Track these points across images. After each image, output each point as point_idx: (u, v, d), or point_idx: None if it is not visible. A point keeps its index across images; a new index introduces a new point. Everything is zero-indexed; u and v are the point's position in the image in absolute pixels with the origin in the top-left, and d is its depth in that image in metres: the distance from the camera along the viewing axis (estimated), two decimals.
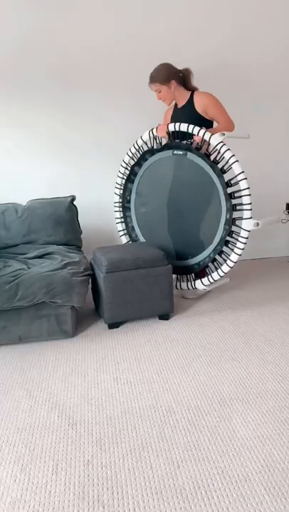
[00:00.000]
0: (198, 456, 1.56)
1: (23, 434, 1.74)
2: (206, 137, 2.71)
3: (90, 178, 3.66)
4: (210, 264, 3.02)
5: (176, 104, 3.01)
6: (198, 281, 2.98)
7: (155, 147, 3.07)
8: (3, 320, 2.46)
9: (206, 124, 2.92)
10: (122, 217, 3.35)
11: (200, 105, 2.85)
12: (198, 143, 2.81)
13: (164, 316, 2.77)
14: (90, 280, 2.90)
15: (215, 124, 3.00)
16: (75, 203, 3.28)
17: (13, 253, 3.01)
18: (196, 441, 1.64)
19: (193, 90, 2.93)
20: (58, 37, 3.36)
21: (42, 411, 1.89)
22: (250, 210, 2.69)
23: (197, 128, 2.74)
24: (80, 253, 3.02)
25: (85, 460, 1.57)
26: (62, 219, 3.12)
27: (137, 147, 3.14)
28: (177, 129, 2.85)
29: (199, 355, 2.30)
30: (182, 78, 2.88)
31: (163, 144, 3.02)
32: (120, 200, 3.32)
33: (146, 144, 3.14)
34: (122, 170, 3.24)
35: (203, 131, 2.71)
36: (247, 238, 2.72)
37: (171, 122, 3.02)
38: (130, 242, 3.30)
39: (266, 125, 3.81)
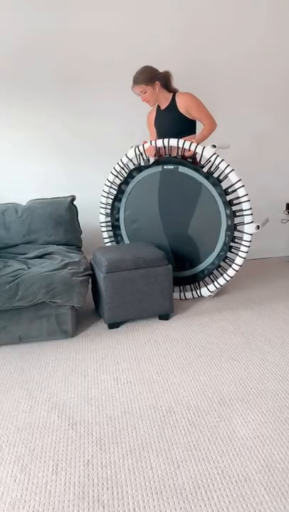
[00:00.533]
0: (198, 456, 1.56)
1: (23, 434, 1.74)
2: (198, 150, 2.77)
3: (90, 178, 3.66)
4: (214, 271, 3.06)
5: (158, 107, 3.02)
6: (203, 289, 3.03)
7: (142, 164, 3.02)
8: (3, 320, 2.46)
9: (190, 123, 2.97)
10: (110, 237, 3.27)
11: (183, 106, 2.90)
12: (189, 156, 2.88)
13: (164, 316, 2.77)
14: (90, 280, 2.90)
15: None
16: (75, 203, 3.27)
17: (13, 253, 3.01)
18: (196, 441, 1.64)
19: (174, 92, 2.97)
20: (58, 37, 3.36)
21: (42, 411, 1.89)
22: (251, 214, 2.80)
23: (188, 142, 2.78)
24: (80, 253, 3.02)
25: (85, 460, 1.57)
26: (62, 219, 3.12)
27: (122, 165, 3.08)
28: (166, 145, 2.85)
29: (199, 355, 2.30)
30: (164, 80, 2.92)
31: (151, 161, 2.99)
32: (108, 220, 3.23)
33: (131, 161, 3.08)
34: (107, 189, 3.15)
35: (194, 144, 2.76)
36: (250, 241, 2.84)
37: (155, 125, 3.05)
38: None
39: (266, 125, 3.81)
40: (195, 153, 2.85)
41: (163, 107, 2.96)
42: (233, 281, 3.43)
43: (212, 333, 2.55)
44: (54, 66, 3.41)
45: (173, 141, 2.84)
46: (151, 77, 2.83)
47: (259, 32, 3.58)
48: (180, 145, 2.82)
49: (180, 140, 2.81)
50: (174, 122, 2.92)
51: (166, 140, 2.85)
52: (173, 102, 2.92)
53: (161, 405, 1.88)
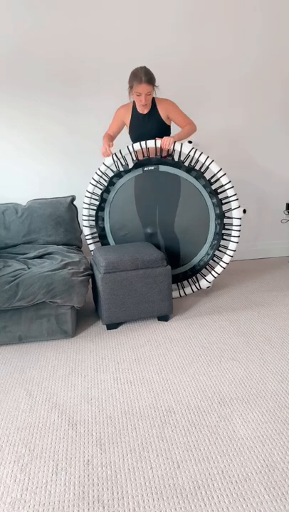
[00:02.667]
0: (198, 456, 1.56)
1: (23, 434, 1.74)
2: (177, 147, 2.85)
3: (90, 178, 3.66)
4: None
5: (135, 110, 2.97)
6: (202, 281, 3.06)
7: (122, 169, 3.00)
8: (3, 320, 2.46)
9: (168, 129, 3.03)
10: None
11: (164, 112, 2.94)
12: (168, 150, 2.91)
13: (163, 318, 2.76)
14: (90, 280, 2.90)
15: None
16: (75, 203, 3.27)
17: (13, 253, 3.01)
18: (196, 441, 1.64)
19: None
20: (56, 37, 3.36)
21: (42, 411, 1.89)
22: (237, 200, 2.92)
23: (167, 140, 2.82)
24: (80, 253, 3.02)
25: (85, 460, 1.57)
26: (62, 219, 3.12)
27: (101, 173, 3.03)
28: (144, 146, 2.89)
29: (199, 355, 2.30)
30: None
31: (131, 165, 2.98)
32: (92, 232, 3.13)
33: (109, 168, 3.02)
34: (88, 200, 3.08)
35: (173, 141, 2.81)
36: (240, 226, 2.95)
37: (137, 130, 3.00)
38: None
39: (266, 125, 3.81)
40: (172, 151, 2.94)
41: (144, 111, 2.94)
42: (233, 281, 3.43)
43: (212, 333, 2.55)
44: (53, 66, 3.41)
45: (151, 143, 2.88)
46: (154, 79, 2.81)
47: (255, 34, 3.58)
48: (158, 145, 2.86)
49: (157, 140, 2.85)
50: (156, 127, 2.96)
51: (143, 142, 2.89)
52: (154, 107, 2.94)
53: (161, 405, 1.88)
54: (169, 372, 2.15)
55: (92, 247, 3.16)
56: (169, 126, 3.04)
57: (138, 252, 2.71)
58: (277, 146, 3.88)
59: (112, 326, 2.68)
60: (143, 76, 2.74)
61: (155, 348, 2.40)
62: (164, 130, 2.99)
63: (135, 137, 3.03)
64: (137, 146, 2.92)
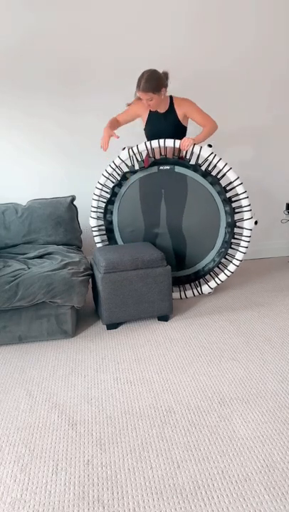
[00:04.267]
0: (198, 456, 1.56)
1: (23, 434, 1.74)
2: (196, 150, 2.82)
3: (90, 178, 3.66)
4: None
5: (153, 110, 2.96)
6: (204, 286, 3.06)
7: (137, 167, 2.99)
8: (3, 320, 2.46)
9: (184, 130, 3.01)
10: (104, 241, 3.17)
11: (181, 112, 2.92)
12: (186, 152, 2.88)
13: (163, 318, 2.76)
14: (90, 280, 2.90)
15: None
16: (75, 203, 3.27)
17: (13, 253, 3.01)
18: (196, 441, 1.64)
19: (170, 95, 2.95)
20: (57, 36, 3.36)
21: (42, 411, 1.89)
22: (250, 210, 2.88)
23: (187, 141, 2.79)
24: (80, 253, 3.02)
25: (85, 460, 1.57)
26: (62, 219, 3.12)
27: (114, 166, 3.00)
28: (162, 145, 2.86)
29: (199, 355, 2.30)
30: (167, 85, 2.88)
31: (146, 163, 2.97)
32: (100, 224, 3.14)
33: (124, 162, 2.99)
34: (98, 192, 3.07)
35: (192, 143, 2.79)
36: (250, 237, 2.92)
37: (153, 128, 2.98)
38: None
39: (266, 125, 3.81)
40: (190, 153, 2.89)
41: (162, 110, 2.94)
42: (233, 281, 3.43)
43: (212, 333, 2.55)
44: (53, 65, 3.41)
45: (169, 142, 2.85)
46: (158, 85, 2.75)
47: (259, 34, 3.58)
48: (176, 145, 2.83)
49: (176, 141, 2.83)
50: (172, 127, 2.93)
51: (161, 140, 2.86)
52: (172, 107, 2.92)
53: (161, 405, 1.88)
54: (169, 372, 2.15)
55: (97, 239, 3.16)
56: (185, 128, 3.01)
57: (138, 252, 2.71)
58: (278, 146, 3.88)
59: (112, 326, 2.68)
60: (142, 83, 2.73)
61: (155, 348, 2.40)
62: (179, 131, 2.96)
63: (151, 135, 3.02)
64: (155, 143, 2.88)
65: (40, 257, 2.89)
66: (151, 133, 3.02)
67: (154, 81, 2.73)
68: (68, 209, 3.16)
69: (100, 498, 1.40)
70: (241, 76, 3.66)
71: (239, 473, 1.47)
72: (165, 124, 2.95)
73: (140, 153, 2.95)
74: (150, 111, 2.98)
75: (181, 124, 2.96)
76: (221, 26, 3.52)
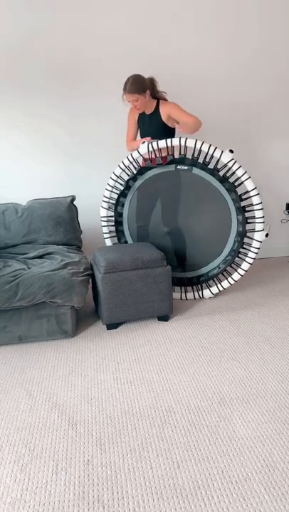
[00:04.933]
0: (198, 456, 1.56)
1: (23, 434, 1.74)
2: (216, 154, 2.80)
3: (90, 178, 3.66)
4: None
5: (143, 111, 3.08)
6: (206, 290, 3.06)
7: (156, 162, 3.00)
8: (3, 320, 2.46)
9: (170, 131, 3.08)
10: (111, 232, 3.18)
11: (165, 114, 3.01)
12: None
13: (163, 318, 2.76)
14: (90, 280, 2.90)
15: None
16: (75, 203, 3.27)
17: (13, 253, 3.01)
18: (196, 441, 1.64)
19: (158, 99, 3.05)
20: (57, 37, 3.36)
21: (42, 411, 1.89)
22: (263, 222, 2.85)
23: (199, 142, 2.80)
24: (80, 253, 3.02)
25: (85, 460, 1.57)
26: (62, 219, 3.12)
27: (132, 159, 2.99)
28: (183, 145, 2.84)
29: (199, 355, 2.30)
30: (151, 88, 3.01)
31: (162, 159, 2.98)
32: (109, 214, 3.15)
33: (142, 156, 3.01)
34: (112, 183, 3.05)
35: (206, 145, 2.79)
36: (259, 248, 2.90)
37: (142, 130, 3.12)
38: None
39: (265, 125, 3.81)
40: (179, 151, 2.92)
41: (148, 112, 3.06)
42: None
43: (212, 333, 2.55)
44: (53, 66, 3.41)
45: (176, 141, 2.85)
46: (142, 87, 2.91)
47: (256, 39, 3.58)
48: (197, 146, 2.82)
49: (198, 141, 2.81)
50: (156, 129, 3.04)
51: (183, 139, 2.84)
52: (157, 109, 3.02)
53: (161, 405, 1.88)
54: (169, 372, 2.15)
55: (105, 230, 3.15)
56: (173, 129, 3.08)
57: (138, 251, 2.71)
58: (278, 146, 3.88)
59: (112, 326, 2.68)
60: (128, 86, 2.90)
61: (155, 348, 2.40)
62: (166, 131, 3.04)
63: (141, 136, 3.14)
64: (175, 141, 2.86)
65: (40, 257, 2.89)
66: (141, 134, 3.14)
67: (138, 83, 2.90)
68: (68, 209, 3.16)
69: (100, 498, 1.40)
70: (241, 76, 3.66)
71: (239, 473, 1.47)
72: (149, 124, 3.05)
73: (160, 150, 2.94)
74: (139, 114, 3.09)
75: (166, 125, 3.03)
76: (223, 29, 3.52)
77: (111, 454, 1.60)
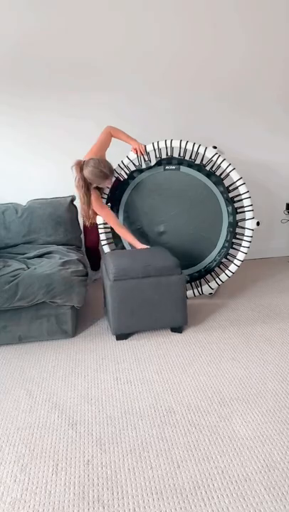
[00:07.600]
0: (198, 456, 1.56)
1: (23, 434, 1.74)
2: (201, 150, 2.89)
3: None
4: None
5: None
6: (205, 286, 3.05)
7: (144, 166, 3.01)
8: (3, 320, 2.46)
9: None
10: (108, 239, 3.10)
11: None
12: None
13: (177, 329, 2.57)
14: (103, 286, 2.81)
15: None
16: (75, 203, 3.27)
17: (13, 253, 3.01)
18: (196, 441, 1.64)
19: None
20: (58, 38, 3.35)
21: (42, 411, 1.89)
22: (252, 211, 2.89)
23: (190, 143, 2.86)
24: (80, 253, 3.02)
25: (85, 460, 1.57)
26: (62, 219, 3.12)
27: (123, 166, 3.02)
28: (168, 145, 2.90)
29: (199, 355, 2.30)
30: None
31: (153, 162, 3.00)
32: (105, 222, 3.07)
33: (132, 162, 3.04)
34: (107, 190, 3.04)
35: (194, 145, 2.84)
36: (252, 237, 2.92)
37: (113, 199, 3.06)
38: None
39: (265, 125, 3.81)
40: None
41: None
42: (234, 281, 3.43)
43: (212, 333, 2.55)
44: (53, 66, 3.41)
45: (176, 142, 2.90)
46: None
47: (257, 44, 3.58)
48: (187, 146, 2.89)
49: (183, 141, 2.87)
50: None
51: (168, 141, 2.91)
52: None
53: (161, 405, 1.88)
54: (169, 372, 2.15)
55: (102, 237, 3.07)
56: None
57: (150, 258, 2.55)
58: (278, 146, 3.88)
59: (121, 337, 2.52)
60: (111, 169, 2.83)
61: (155, 348, 2.40)
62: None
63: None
64: (162, 144, 2.92)
65: (40, 256, 2.89)
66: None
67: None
68: (68, 209, 3.16)
69: (100, 498, 1.40)
70: (241, 79, 3.66)
71: (239, 473, 1.47)
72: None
73: (148, 154, 2.98)
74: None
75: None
76: (220, 32, 3.52)
77: (111, 454, 1.60)
